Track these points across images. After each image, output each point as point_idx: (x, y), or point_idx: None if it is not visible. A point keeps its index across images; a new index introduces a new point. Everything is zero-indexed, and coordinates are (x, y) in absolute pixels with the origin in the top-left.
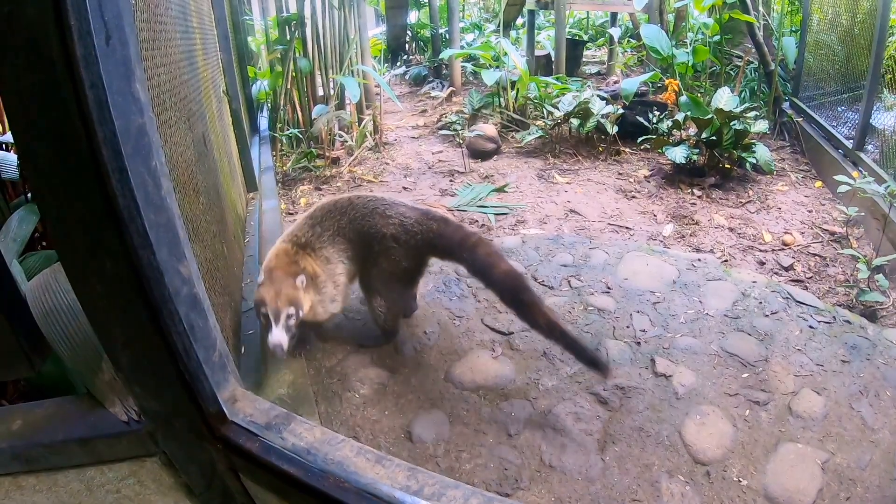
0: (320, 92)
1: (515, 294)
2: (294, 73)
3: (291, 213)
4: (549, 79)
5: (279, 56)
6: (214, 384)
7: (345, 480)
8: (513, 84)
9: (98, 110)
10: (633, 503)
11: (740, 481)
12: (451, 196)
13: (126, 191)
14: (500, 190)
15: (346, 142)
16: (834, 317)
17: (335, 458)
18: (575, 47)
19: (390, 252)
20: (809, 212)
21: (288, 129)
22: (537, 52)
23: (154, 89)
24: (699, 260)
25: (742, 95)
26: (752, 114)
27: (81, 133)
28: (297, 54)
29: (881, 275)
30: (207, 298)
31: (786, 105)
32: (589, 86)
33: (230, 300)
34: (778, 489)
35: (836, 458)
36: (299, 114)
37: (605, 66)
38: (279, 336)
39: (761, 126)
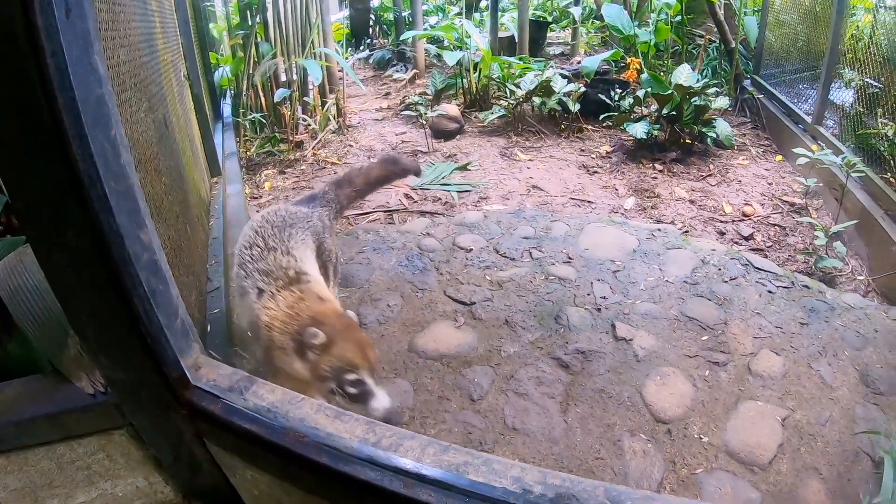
0: (283, 77)
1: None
2: (256, 59)
3: (256, 198)
4: (511, 59)
5: (241, 41)
6: (177, 350)
7: (304, 435)
8: (475, 65)
9: (59, 78)
10: (596, 461)
11: (701, 438)
12: (415, 176)
13: (86, 157)
14: (463, 168)
15: (310, 125)
16: (792, 282)
17: (295, 416)
18: (539, 28)
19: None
20: (769, 184)
21: (251, 115)
22: (501, 34)
23: (113, 69)
24: (659, 230)
25: (704, 73)
26: (713, 90)
27: (43, 102)
28: (259, 39)
29: (839, 242)
30: (169, 269)
31: (747, 82)
32: (552, 65)
33: (195, 280)
34: (739, 445)
35: (796, 415)
36: (262, 99)
37: (568, 47)
38: (385, 399)
39: (722, 102)
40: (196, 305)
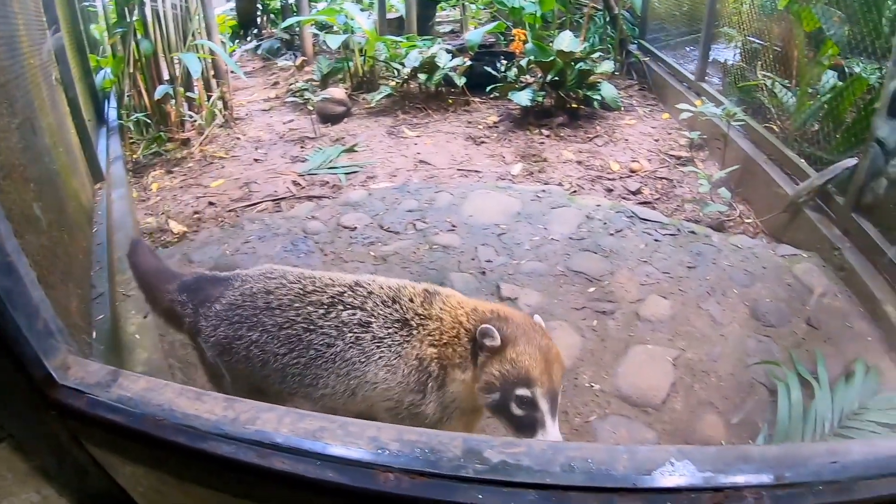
0: (166, 74)
1: None
2: (136, 56)
3: (143, 200)
4: (397, 38)
5: (120, 39)
6: (41, 351)
7: (163, 419)
8: (362, 48)
9: None
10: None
11: (592, 386)
12: (303, 162)
13: None
14: (350, 150)
15: (196, 121)
16: (678, 229)
17: (157, 402)
18: (426, 7)
19: None
20: (656, 141)
21: (134, 115)
22: (389, 15)
23: None
24: (544, 191)
25: (591, 40)
26: (597, 55)
27: None
28: (139, 36)
29: (724, 188)
30: (31, 272)
31: (633, 47)
32: (439, 42)
33: (77, 287)
34: (630, 389)
35: (687, 354)
36: (145, 98)
37: (458, 24)
38: (557, 435)
39: (607, 66)
40: (79, 312)
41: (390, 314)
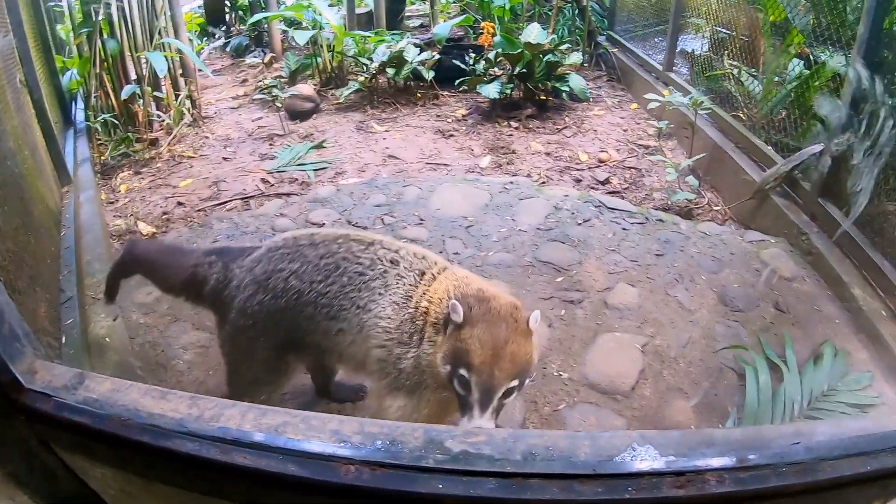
0: (133, 74)
1: None
2: (103, 56)
3: (112, 202)
4: (366, 33)
5: (86, 39)
6: (6, 356)
7: (128, 419)
8: (330, 44)
9: None
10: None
11: (561, 375)
12: (271, 159)
13: None
14: (319, 146)
15: (164, 121)
16: (646, 217)
17: (122, 402)
18: (395, 1)
19: None
20: (625, 131)
21: (102, 116)
22: (358, 10)
23: None
24: (512, 183)
25: (559, 32)
26: (566, 46)
27: None
28: (105, 35)
29: (692, 176)
30: None
31: (602, 38)
32: (407, 36)
33: (45, 292)
34: (599, 376)
35: (656, 341)
36: (112, 98)
37: (427, 18)
38: (482, 421)
39: (575, 58)
40: (47, 317)
41: (415, 263)
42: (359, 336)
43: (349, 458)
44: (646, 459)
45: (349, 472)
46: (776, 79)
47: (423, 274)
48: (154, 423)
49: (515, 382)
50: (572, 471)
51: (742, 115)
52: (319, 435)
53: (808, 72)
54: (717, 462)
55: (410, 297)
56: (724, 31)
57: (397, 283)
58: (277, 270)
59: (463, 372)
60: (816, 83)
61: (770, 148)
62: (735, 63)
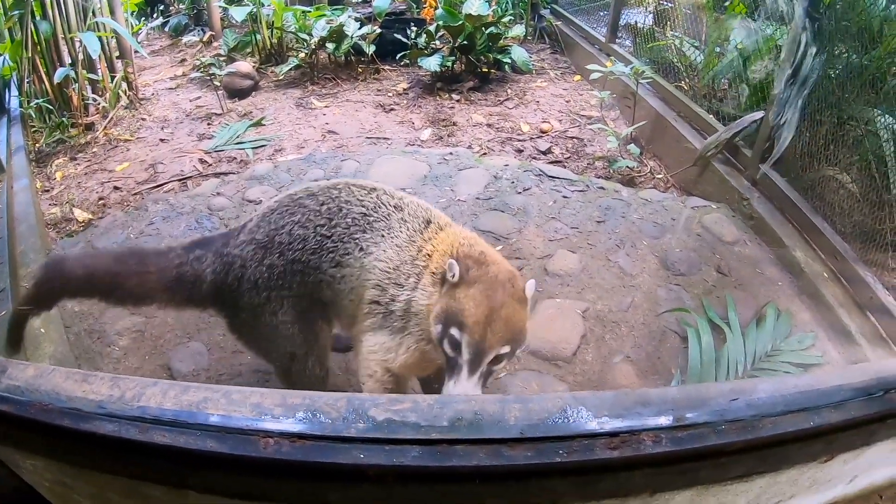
0: (68, 57)
1: None
2: (35, 39)
3: (47, 190)
4: (306, 8)
5: (17, 22)
6: None
7: (48, 404)
8: (270, 20)
9: None
10: None
11: None
12: (210, 139)
13: None
14: (258, 124)
15: (100, 104)
16: (587, 185)
17: (45, 388)
18: None
19: None
20: (567, 102)
21: (35, 101)
22: None
23: None
24: (451, 154)
25: (502, 5)
26: (508, 19)
27: None
28: (37, 17)
29: (633, 145)
30: None
31: (546, 11)
32: (349, 11)
33: None
34: (540, 343)
35: (597, 306)
36: (46, 83)
37: None
38: (468, 388)
39: (517, 30)
40: None
41: (419, 212)
42: (358, 281)
43: (268, 430)
44: (577, 421)
45: (268, 446)
46: (717, 49)
47: (428, 222)
48: (74, 407)
49: (507, 349)
50: (501, 435)
51: (684, 86)
52: (240, 409)
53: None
54: (652, 421)
55: (413, 241)
56: (666, 3)
57: (401, 227)
58: (280, 227)
59: (454, 332)
60: (757, 53)
61: (711, 116)
62: (677, 34)
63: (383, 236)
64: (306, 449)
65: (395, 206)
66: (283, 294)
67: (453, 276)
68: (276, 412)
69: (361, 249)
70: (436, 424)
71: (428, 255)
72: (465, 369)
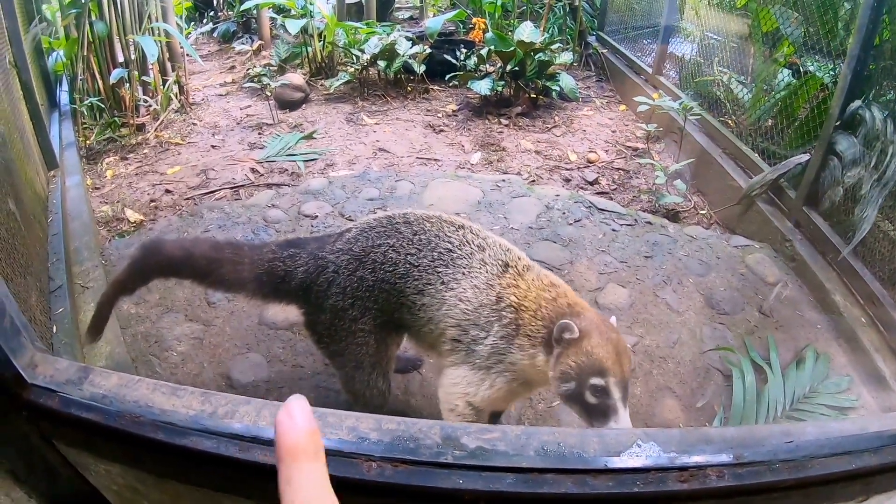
0: (121, 57)
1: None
2: (91, 38)
3: (98, 188)
4: (357, 24)
5: (74, 20)
6: (8, 350)
7: (140, 416)
8: (321, 33)
9: None
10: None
11: None
12: (261, 149)
13: None
14: (309, 137)
15: (151, 106)
16: (635, 219)
17: (132, 398)
18: None
19: None
20: (613, 132)
21: (88, 99)
22: (348, 0)
23: None
24: (504, 181)
25: (550, 31)
26: (557, 45)
27: None
28: (94, 17)
29: (679, 180)
30: None
31: (592, 38)
32: (398, 29)
33: (35, 280)
34: None
35: (645, 341)
36: (99, 82)
37: (417, 11)
38: (628, 422)
39: (566, 57)
40: (38, 306)
41: (499, 255)
42: (437, 313)
43: (369, 454)
44: (651, 456)
45: (371, 469)
46: (765, 87)
47: (506, 266)
48: (168, 420)
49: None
50: (584, 466)
51: (730, 122)
52: (337, 432)
53: (797, 81)
54: (715, 458)
55: (491, 286)
56: (714, 36)
57: (480, 267)
58: (376, 246)
59: (596, 381)
60: (804, 93)
61: (757, 155)
62: (724, 69)
63: (464, 274)
64: (408, 473)
65: (478, 246)
66: (367, 305)
67: (572, 335)
68: (372, 436)
69: (443, 283)
70: (524, 454)
71: (512, 307)
72: (620, 407)
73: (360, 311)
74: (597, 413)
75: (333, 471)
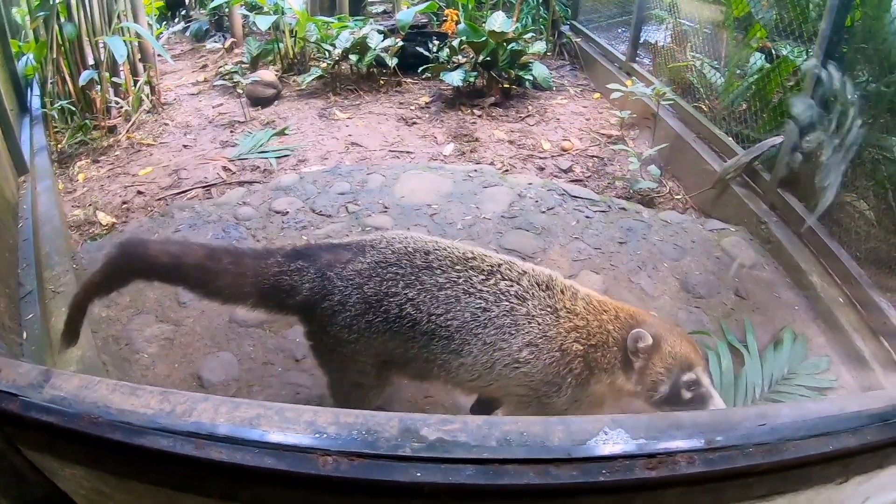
0: (91, 59)
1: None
2: (60, 41)
3: (70, 192)
4: (329, 19)
5: (43, 23)
6: None
7: (97, 416)
8: (292, 29)
9: None
10: (425, 399)
11: None
12: (233, 147)
13: None
14: (281, 133)
15: (122, 107)
16: (609, 206)
17: (91, 399)
18: None
19: None
20: (587, 120)
21: (58, 103)
22: None
23: None
24: (476, 171)
25: (523, 21)
26: (530, 35)
27: None
28: (62, 19)
29: (653, 166)
30: None
31: (566, 28)
32: (371, 23)
33: (4, 287)
34: None
35: None
36: (70, 84)
37: (390, 4)
38: (721, 402)
39: (539, 47)
40: (7, 312)
41: (543, 298)
42: (488, 374)
43: (326, 448)
44: (618, 443)
45: (327, 464)
46: (738, 71)
47: (556, 311)
48: (126, 420)
49: None
50: (547, 455)
51: (704, 107)
52: (294, 427)
53: (770, 65)
54: (686, 444)
55: (549, 337)
56: (687, 23)
57: (529, 323)
58: (392, 294)
59: (688, 376)
60: (777, 77)
61: (731, 139)
62: (697, 55)
63: (511, 334)
64: (365, 467)
65: (517, 297)
66: (374, 347)
67: (646, 343)
68: (330, 430)
69: (486, 344)
70: (485, 444)
71: (581, 358)
72: (713, 391)
73: (366, 347)
74: (692, 405)
75: (288, 466)
